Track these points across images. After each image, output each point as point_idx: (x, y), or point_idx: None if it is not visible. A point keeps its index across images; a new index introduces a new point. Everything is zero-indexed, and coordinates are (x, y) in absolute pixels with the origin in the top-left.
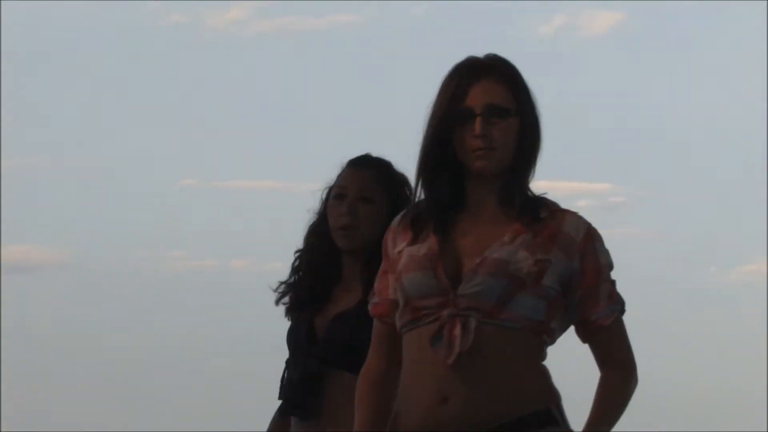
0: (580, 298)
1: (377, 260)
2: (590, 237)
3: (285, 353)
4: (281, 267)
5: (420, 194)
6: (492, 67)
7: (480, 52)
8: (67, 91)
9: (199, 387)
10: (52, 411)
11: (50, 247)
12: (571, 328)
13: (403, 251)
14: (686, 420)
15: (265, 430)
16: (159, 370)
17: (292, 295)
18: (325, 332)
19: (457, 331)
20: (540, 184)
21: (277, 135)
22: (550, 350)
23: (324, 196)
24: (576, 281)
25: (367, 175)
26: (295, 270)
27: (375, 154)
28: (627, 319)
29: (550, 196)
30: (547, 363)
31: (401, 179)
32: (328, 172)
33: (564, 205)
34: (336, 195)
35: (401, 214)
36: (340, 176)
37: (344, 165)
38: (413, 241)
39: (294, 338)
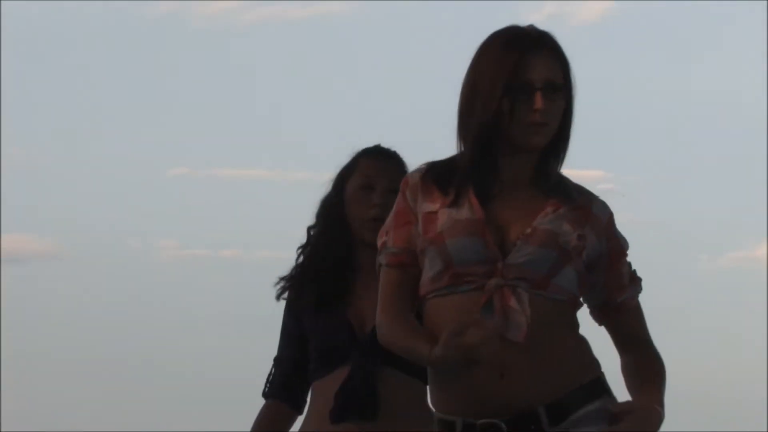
0: (606, 280)
1: None
2: (612, 221)
3: (273, 345)
4: (270, 256)
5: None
6: (547, 41)
7: (470, 40)
8: (56, 81)
9: (189, 376)
10: (39, 401)
11: (40, 238)
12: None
13: (439, 212)
14: (685, 413)
15: (255, 426)
16: (149, 360)
17: (307, 291)
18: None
19: (513, 302)
20: None
21: (266, 124)
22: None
23: (337, 184)
24: (603, 263)
25: (393, 168)
26: (308, 262)
27: (365, 143)
28: None
29: None
30: None
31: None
32: (317, 161)
33: None
34: (363, 185)
35: (419, 170)
36: (361, 166)
37: (360, 154)
38: (450, 205)
39: (329, 337)
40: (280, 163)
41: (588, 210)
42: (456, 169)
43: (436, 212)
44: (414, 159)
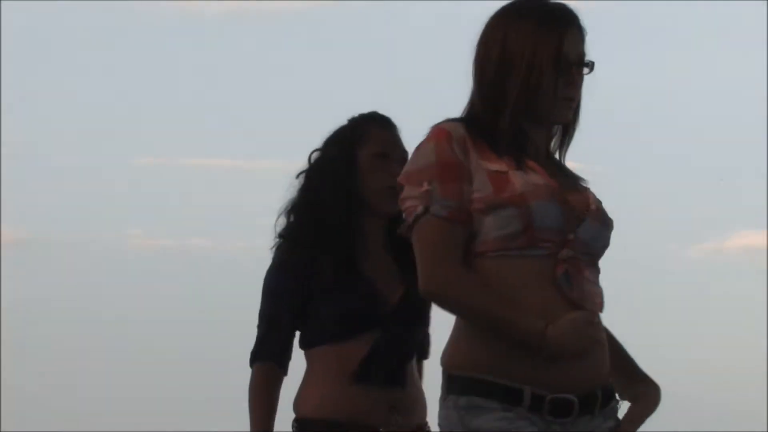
0: None
1: (396, 228)
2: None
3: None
4: (240, 246)
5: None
6: (576, 17)
7: (459, 29)
8: (21, 68)
9: (157, 367)
10: (4, 388)
11: (7, 226)
12: None
13: (510, 173)
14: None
15: (252, 393)
16: (116, 349)
17: (319, 254)
18: (403, 299)
19: (588, 274)
20: None
21: (233, 113)
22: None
23: (345, 151)
24: None
25: (400, 137)
26: (313, 226)
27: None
28: None
29: None
30: None
31: None
32: (286, 150)
33: None
34: (377, 154)
35: (456, 123)
36: (374, 134)
37: (366, 122)
38: (516, 168)
39: (353, 302)
40: (248, 152)
41: (591, 195)
42: (490, 131)
43: (506, 173)
44: None
